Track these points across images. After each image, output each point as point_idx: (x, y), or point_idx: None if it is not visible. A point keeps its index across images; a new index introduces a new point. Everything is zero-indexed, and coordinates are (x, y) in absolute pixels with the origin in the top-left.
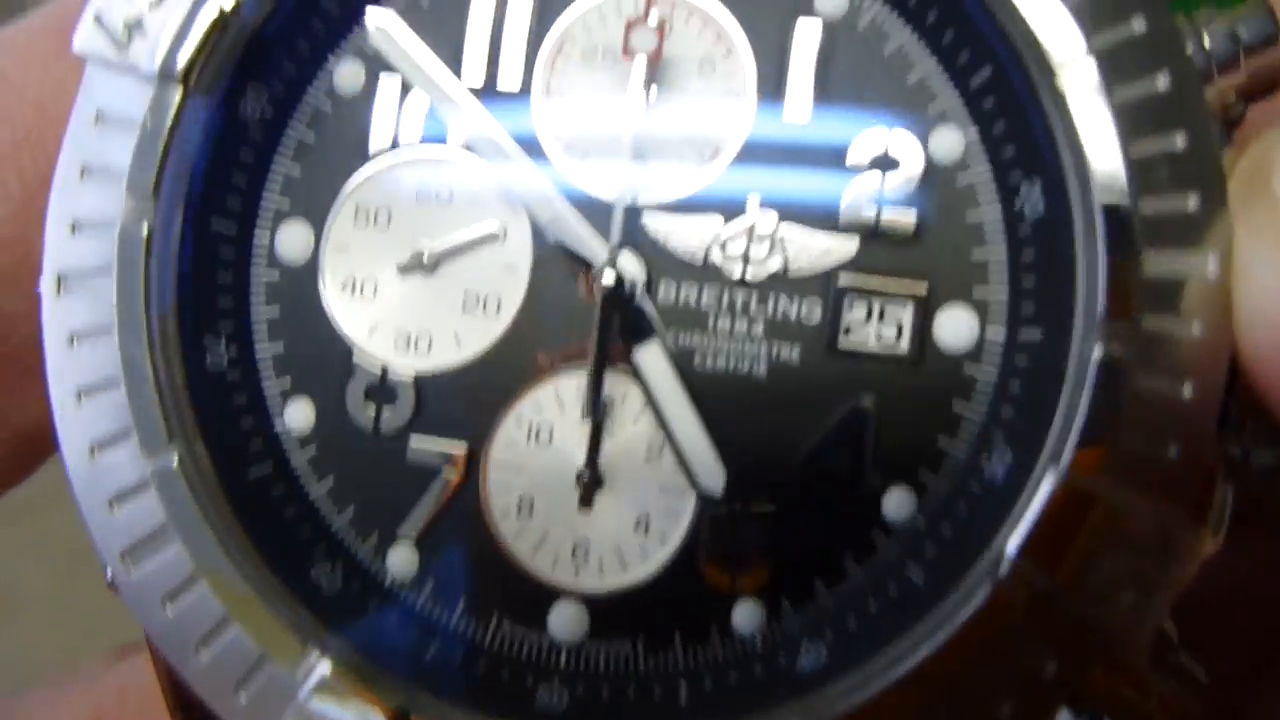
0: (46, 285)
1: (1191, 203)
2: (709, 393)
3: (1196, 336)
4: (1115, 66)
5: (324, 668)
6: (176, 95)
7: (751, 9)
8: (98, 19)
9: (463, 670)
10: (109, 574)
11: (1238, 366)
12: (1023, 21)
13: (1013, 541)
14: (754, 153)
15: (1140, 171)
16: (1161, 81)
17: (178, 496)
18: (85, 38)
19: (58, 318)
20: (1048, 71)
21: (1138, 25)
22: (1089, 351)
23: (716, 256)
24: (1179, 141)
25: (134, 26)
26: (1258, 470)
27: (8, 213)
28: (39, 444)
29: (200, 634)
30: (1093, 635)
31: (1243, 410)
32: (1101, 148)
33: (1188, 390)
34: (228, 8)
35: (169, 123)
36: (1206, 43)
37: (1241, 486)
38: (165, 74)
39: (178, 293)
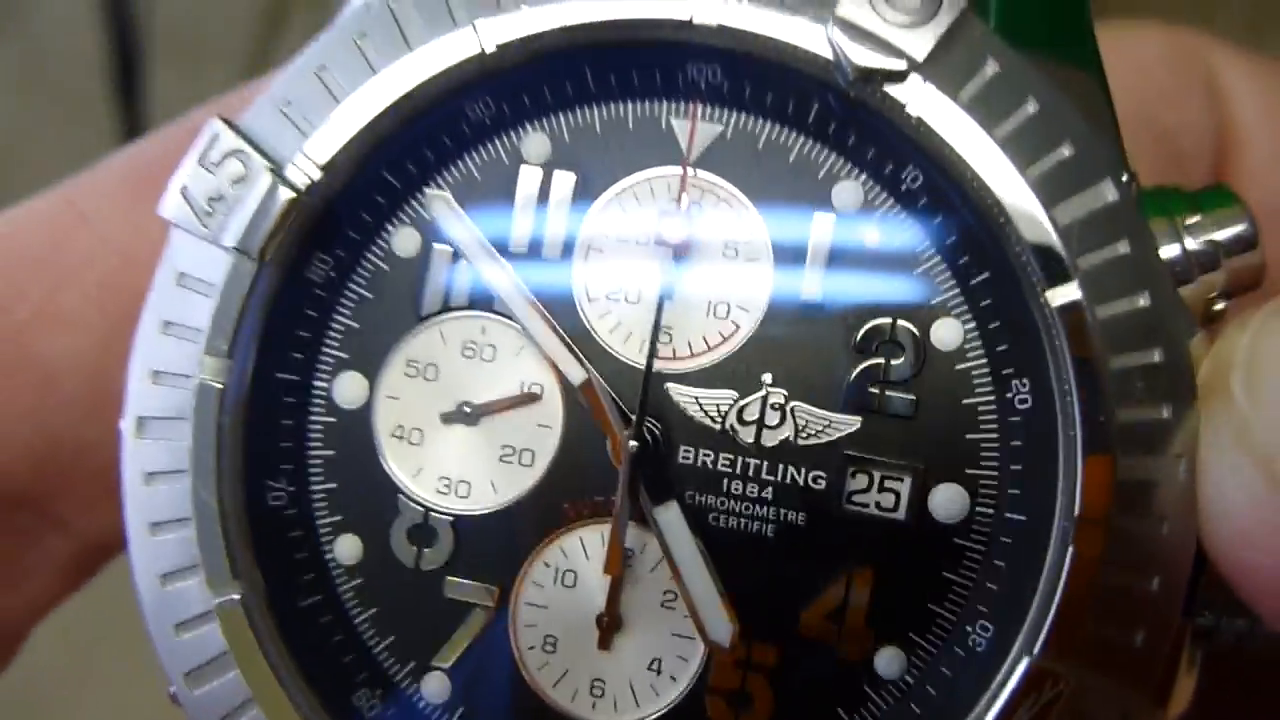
0: (128, 425)
1: (1165, 412)
2: (720, 549)
3: (1165, 535)
4: (1099, 285)
5: None
6: (252, 267)
7: (772, 201)
8: (183, 191)
9: None
10: (172, 689)
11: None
12: (1018, 240)
13: (987, 709)
14: (768, 333)
15: (1119, 383)
16: (1142, 300)
17: (238, 628)
18: (171, 207)
19: (136, 456)
20: (1039, 287)
21: (1122, 248)
22: (1064, 546)
23: (732, 424)
24: (1156, 356)
25: (216, 201)
26: (1230, 635)
27: (91, 349)
28: (105, 551)
29: None
30: None
31: (1212, 585)
32: (1085, 361)
33: (1155, 584)
34: (302, 190)
35: (245, 291)
36: (1188, 244)
37: (1213, 652)
38: (244, 249)
39: (244, 441)
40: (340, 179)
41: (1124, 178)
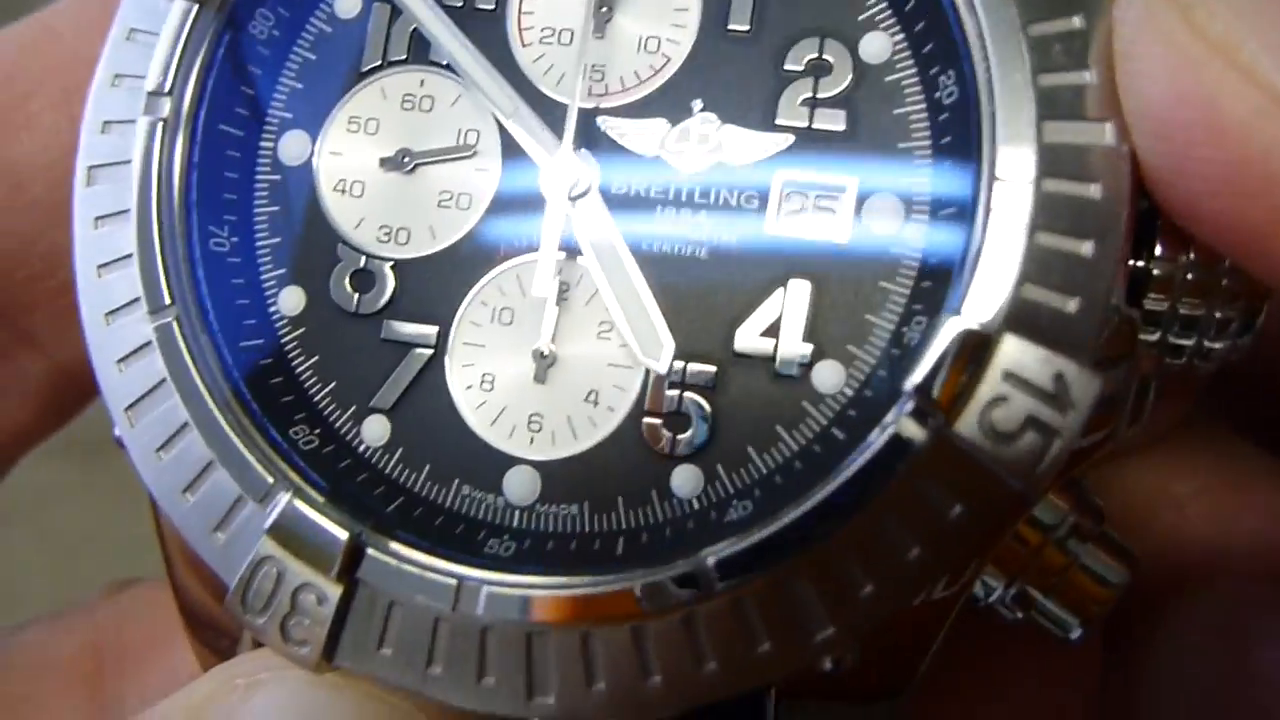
0: (79, 178)
1: (1087, 76)
2: (655, 273)
3: (1096, 198)
4: None
5: (288, 500)
6: (193, 10)
7: None
8: None
9: (421, 520)
10: (116, 430)
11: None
12: None
13: (909, 380)
14: (698, 61)
15: (1038, 51)
16: None
17: (175, 352)
18: None
19: (86, 204)
20: None
21: None
22: (986, 209)
23: (663, 151)
24: (1076, 22)
25: None
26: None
27: (59, 152)
28: (80, 382)
29: (187, 479)
30: (995, 479)
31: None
32: (999, 29)
33: (1088, 248)
34: None
35: (186, 31)
36: None
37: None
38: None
39: (189, 183)
40: None
41: None
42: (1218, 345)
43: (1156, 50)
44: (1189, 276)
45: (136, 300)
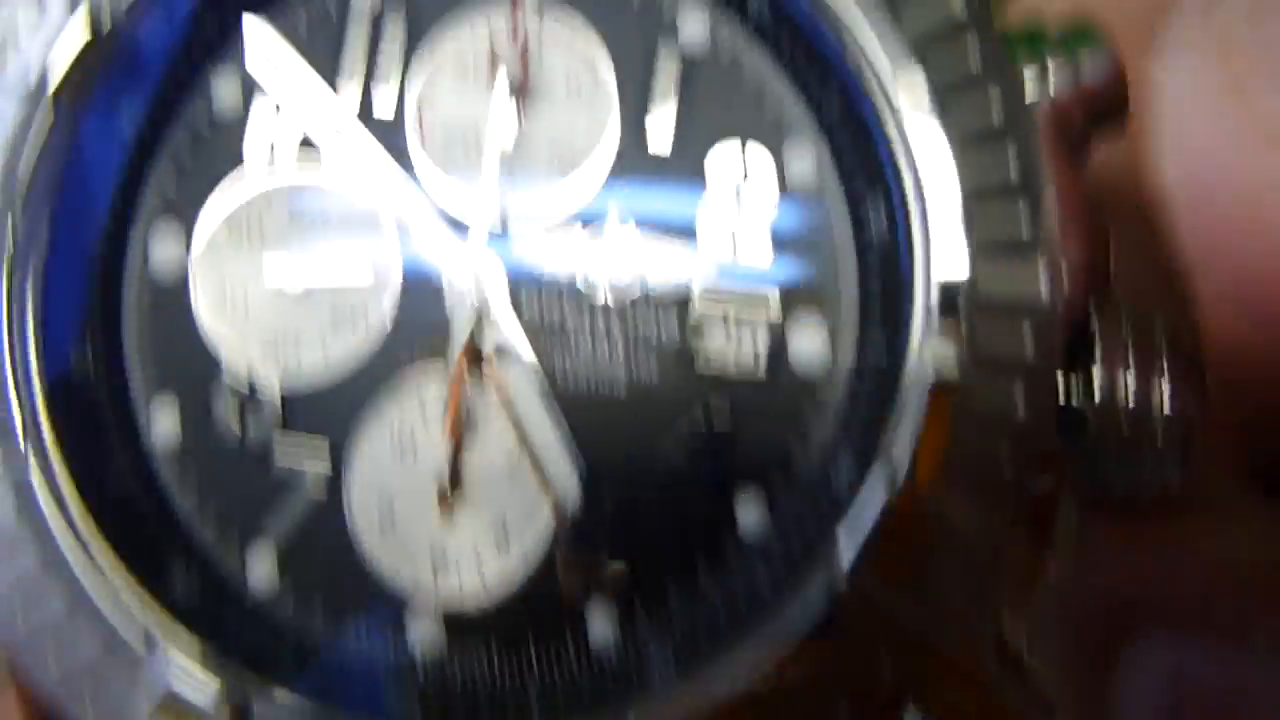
0: None
1: (1023, 226)
2: (570, 406)
3: (1029, 356)
4: (950, 93)
5: (170, 662)
6: (46, 113)
7: (617, 34)
8: None
9: (315, 670)
10: None
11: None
12: (859, 48)
13: (848, 548)
14: (616, 172)
15: (974, 199)
16: (995, 100)
17: (31, 501)
18: None
19: None
20: (885, 86)
21: (973, 57)
22: (923, 367)
23: (580, 270)
24: (1011, 172)
25: (4, 46)
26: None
27: None
28: None
29: (53, 643)
30: (928, 641)
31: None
32: (936, 168)
33: (1020, 407)
34: (104, 29)
35: (40, 139)
36: (1053, 80)
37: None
38: (36, 92)
39: (44, 303)
40: (147, 15)
41: None
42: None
43: (1205, 125)
44: None
45: None
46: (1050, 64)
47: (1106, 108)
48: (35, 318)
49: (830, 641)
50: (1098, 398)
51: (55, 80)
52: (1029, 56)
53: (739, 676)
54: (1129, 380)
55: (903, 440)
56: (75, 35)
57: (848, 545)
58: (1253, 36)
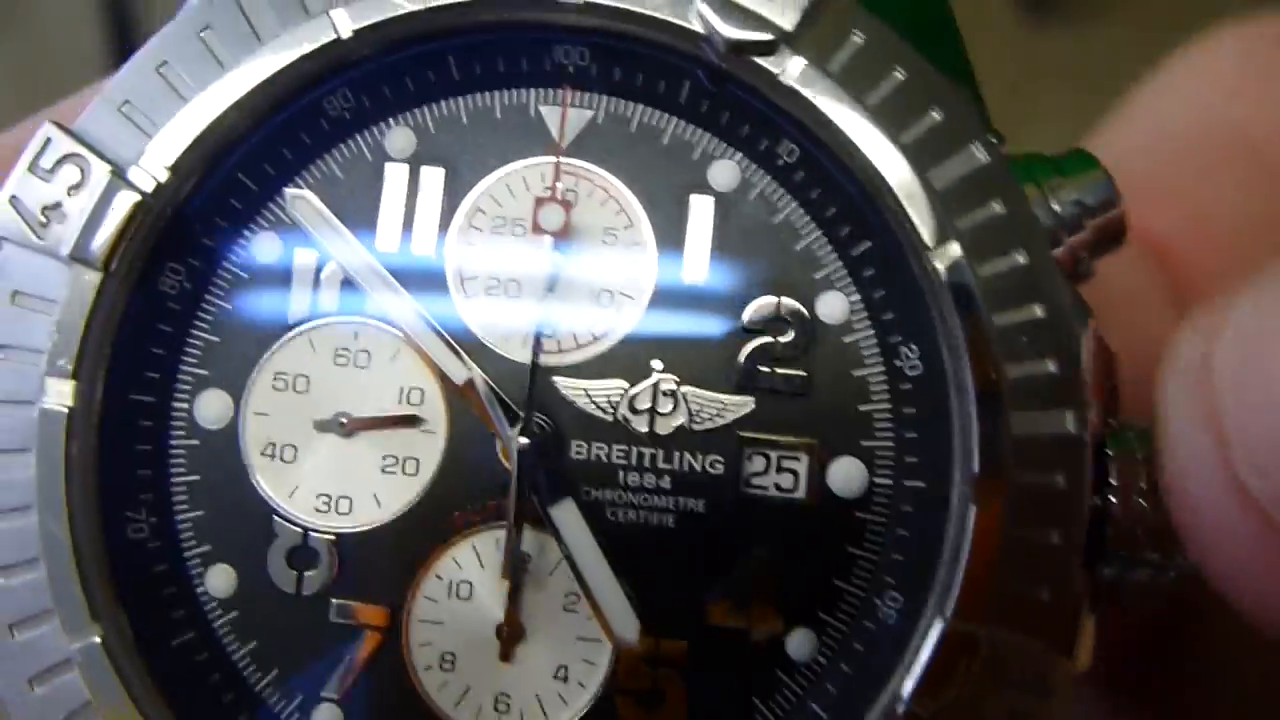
0: None
1: (1050, 366)
2: (621, 544)
3: (1060, 486)
4: (978, 244)
5: None
6: (96, 279)
7: (649, 186)
8: (13, 202)
9: None
10: None
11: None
12: (897, 207)
13: (907, 685)
14: (655, 319)
15: (1005, 340)
16: (1020, 257)
17: (101, 675)
18: (1, 220)
19: None
20: (921, 251)
21: (997, 207)
22: (965, 507)
23: (625, 414)
24: (1038, 311)
25: (51, 210)
26: (1137, 581)
27: None
28: None
29: None
30: None
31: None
32: (971, 320)
33: (1055, 536)
34: (147, 193)
35: (89, 305)
36: (1055, 207)
37: (1122, 602)
38: (84, 259)
39: (98, 468)
40: (190, 181)
41: (992, 139)
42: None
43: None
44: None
45: (47, 612)
46: (1050, 190)
47: (1112, 234)
48: (92, 488)
49: None
50: (1118, 514)
51: (105, 246)
52: (1029, 180)
53: None
54: (1143, 497)
55: (949, 574)
56: (119, 204)
57: (903, 677)
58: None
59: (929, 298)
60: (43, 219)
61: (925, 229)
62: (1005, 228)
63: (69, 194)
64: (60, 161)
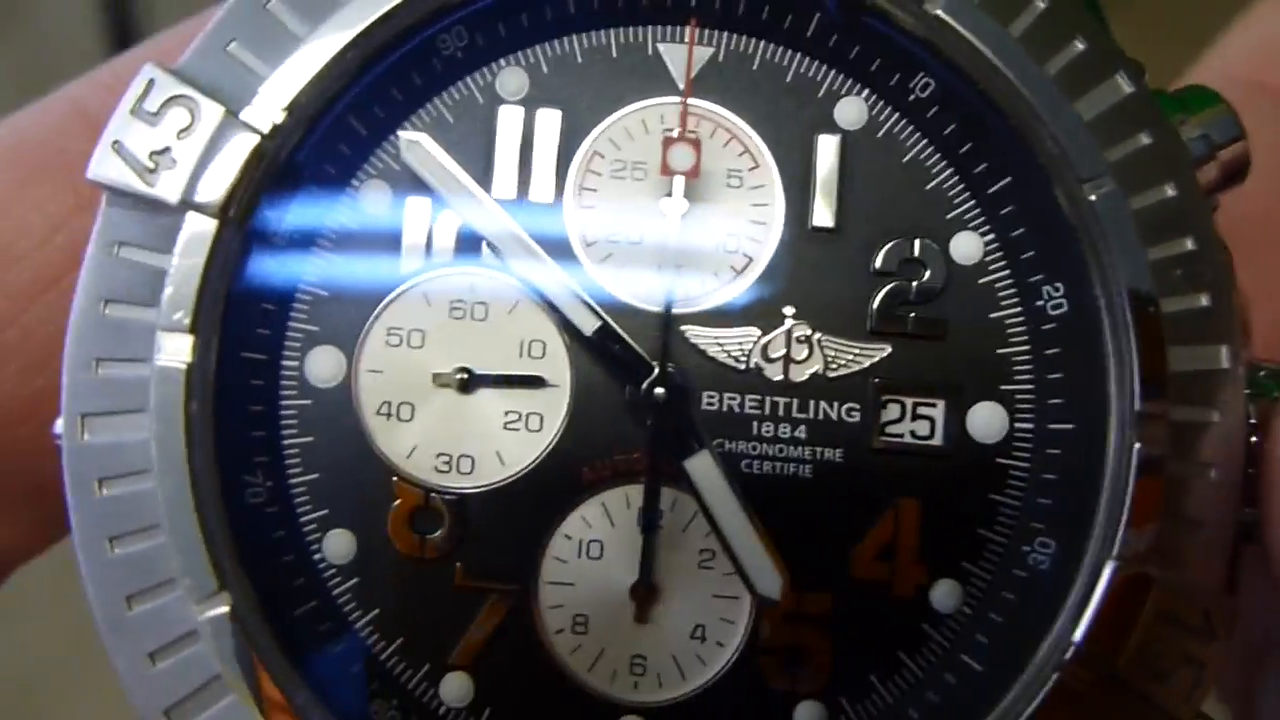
0: (68, 427)
1: (1204, 300)
2: (758, 497)
3: (1217, 423)
4: (1128, 176)
5: None
6: (212, 226)
7: (773, 126)
8: (116, 148)
9: None
10: None
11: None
12: (1049, 138)
13: (1079, 629)
14: (783, 264)
15: (1158, 274)
16: (1170, 189)
17: (231, 647)
18: (103, 165)
19: (82, 461)
20: (1072, 183)
21: (1145, 139)
22: (1129, 443)
23: (758, 362)
24: (1189, 244)
25: (160, 155)
26: None
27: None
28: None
29: None
30: (1149, 714)
31: None
32: (1127, 253)
33: (1214, 474)
34: (265, 134)
35: (206, 254)
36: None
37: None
38: (197, 205)
39: (214, 429)
40: (304, 124)
41: (1134, 69)
42: None
43: None
44: None
45: (167, 582)
46: (1176, 126)
47: (1237, 169)
48: (211, 450)
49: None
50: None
51: (223, 191)
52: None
53: None
54: None
55: (1112, 513)
56: (235, 147)
57: (1071, 622)
58: None
59: (1080, 233)
60: (150, 165)
61: (1079, 160)
62: (1154, 159)
63: (178, 138)
64: (166, 104)
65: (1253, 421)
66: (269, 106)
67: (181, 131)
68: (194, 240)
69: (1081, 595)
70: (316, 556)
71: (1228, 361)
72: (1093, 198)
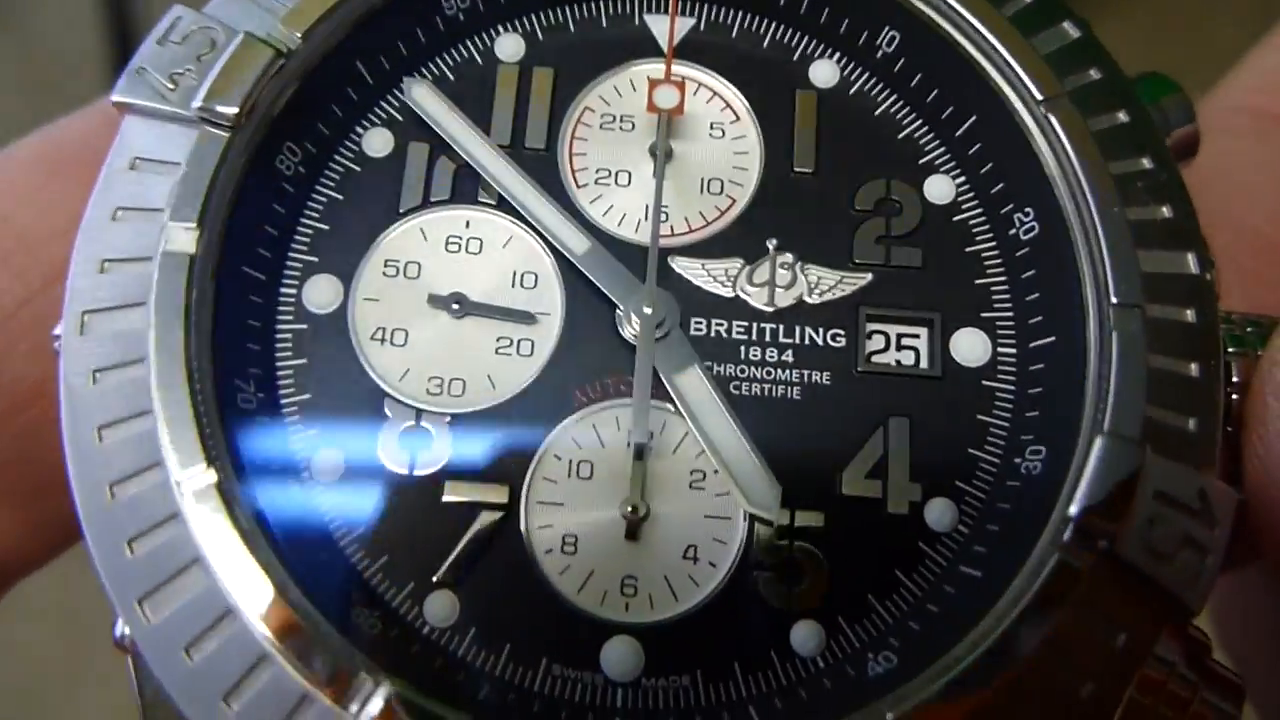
0: (69, 326)
1: (1165, 211)
2: (747, 417)
3: (1193, 321)
4: (1083, 102)
5: (377, 702)
6: (224, 134)
7: (752, 87)
8: (140, 70)
9: (516, 716)
10: (118, 629)
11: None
12: (1006, 65)
13: (1075, 504)
14: (765, 200)
15: (1121, 185)
16: (1122, 115)
17: (216, 523)
18: (126, 88)
19: (80, 357)
20: (1033, 105)
21: (1094, 73)
22: (1108, 335)
23: (743, 288)
24: (1146, 162)
25: (181, 73)
26: None
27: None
28: None
29: (230, 682)
30: (1156, 599)
31: None
32: (1090, 166)
33: (1194, 368)
34: (282, 48)
35: (217, 160)
36: None
37: None
38: (213, 114)
39: (212, 329)
40: (317, 54)
41: (1082, 22)
42: None
43: None
44: None
45: (154, 466)
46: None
47: (1186, 146)
48: (210, 347)
49: (1062, 605)
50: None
51: (238, 97)
52: None
53: (969, 658)
54: None
55: (1099, 398)
56: (258, 50)
57: (1067, 503)
58: None
59: (1043, 153)
60: (170, 84)
61: (1034, 82)
62: (1105, 90)
63: (199, 59)
64: (191, 33)
65: (1235, 380)
66: (286, 33)
67: (203, 54)
68: (207, 146)
69: (1075, 475)
70: (304, 471)
71: (1195, 267)
72: (1052, 116)
